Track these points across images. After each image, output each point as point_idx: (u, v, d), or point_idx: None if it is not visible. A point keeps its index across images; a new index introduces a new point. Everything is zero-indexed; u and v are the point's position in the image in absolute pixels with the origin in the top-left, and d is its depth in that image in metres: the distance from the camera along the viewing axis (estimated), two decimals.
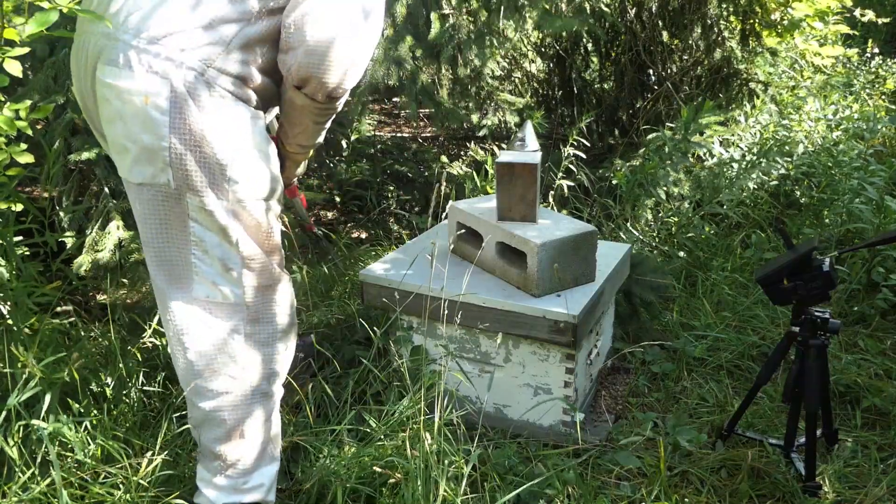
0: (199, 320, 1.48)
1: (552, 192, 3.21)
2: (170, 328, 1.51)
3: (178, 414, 1.89)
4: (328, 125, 1.60)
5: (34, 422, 1.64)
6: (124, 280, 2.49)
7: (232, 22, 1.36)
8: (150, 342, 2.18)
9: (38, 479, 1.58)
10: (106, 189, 2.40)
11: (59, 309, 2.36)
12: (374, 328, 1.95)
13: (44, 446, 1.62)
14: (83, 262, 2.39)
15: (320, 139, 1.66)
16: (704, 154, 3.54)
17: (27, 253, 2.17)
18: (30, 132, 1.84)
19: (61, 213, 2.41)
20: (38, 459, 1.62)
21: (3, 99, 1.96)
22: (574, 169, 3.35)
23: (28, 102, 1.85)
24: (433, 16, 2.77)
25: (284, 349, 1.62)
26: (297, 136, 1.59)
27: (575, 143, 3.15)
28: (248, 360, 1.53)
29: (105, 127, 1.40)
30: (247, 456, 1.58)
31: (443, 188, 3.27)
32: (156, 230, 1.43)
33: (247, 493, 1.60)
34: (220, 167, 1.38)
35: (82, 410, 1.80)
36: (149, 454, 1.68)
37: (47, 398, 1.72)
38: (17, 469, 1.61)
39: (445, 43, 2.76)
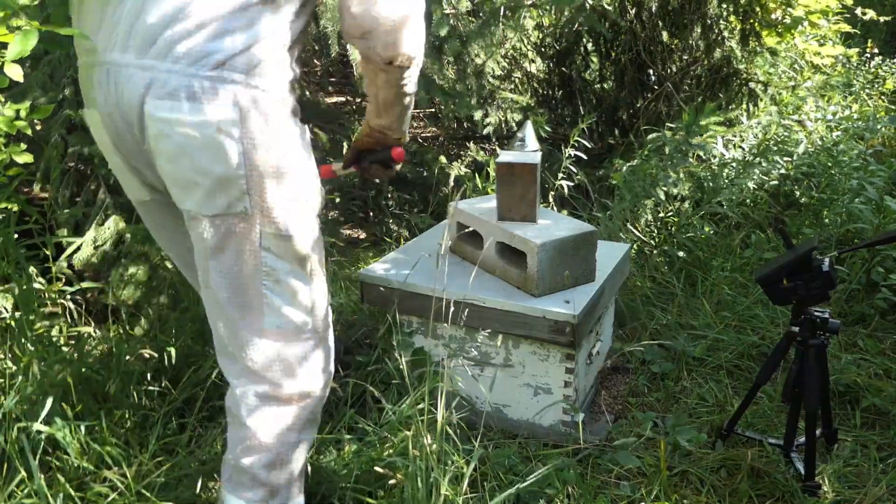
0: (270, 351, 1.42)
1: (552, 193, 3.21)
2: (239, 359, 1.44)
3: (180, 420, 1.89)
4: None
5: (35, 426, 1.64)
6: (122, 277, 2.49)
7: (277, 27, 1.33)
8: (151, 342, 2.18)
9: (39, 478, 1.58)
10: (104, 185, 2.40)
11: (57, 310, 2.36)
12: (376, 328, 1.96)
13: (40, 451, 1.61)
14: (84, 256, 2.39)
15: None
16: (705, 155, 3.55)
17: (27, 254, 2.17)
18: (29, 132, 1.84)
19: (58, 211, 2.41)
20: (37, 460, 1.62)
21: (2, 99, 1.97)
22: (575, 169, 3.35)
23: (28, 103, 1.86)
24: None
25: (330, 373, 1.56)
26: (387, 113, 1.56)
27: (576, 144, 3.15)
28: (310, 385, 1.48)
29: (164, 164, 1.33)
30: (286, 486, 1.50)
31: (448, 190, 3.27)
32: (232, 260, 1.37)
33: None
34: (296, 187, 1.37)
35: (80, 413, 1.79)
36: (147, 455, 1.68)
37: (48, 403, 1.70)
38: (16, 469, 1.61)
39: (449, 35, 2.81)
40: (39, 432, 1.65)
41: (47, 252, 2.31)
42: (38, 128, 2.51)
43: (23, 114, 1.82)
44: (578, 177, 3.42)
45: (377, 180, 1.96)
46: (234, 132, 1.28)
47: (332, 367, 1.55)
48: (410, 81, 1.51)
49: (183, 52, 1.26)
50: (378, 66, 1.42)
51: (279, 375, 1.43)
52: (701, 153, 3.44)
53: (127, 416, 1.90)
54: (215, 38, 1.26)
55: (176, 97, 1.25)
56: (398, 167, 1.79)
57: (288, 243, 1.37)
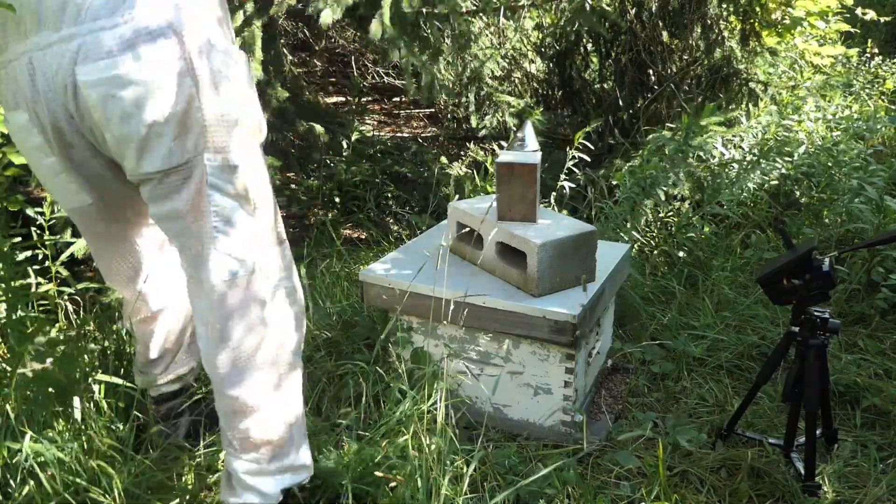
0: (222, 303, 1.37)
1: (553, 193, 3.21)
2: (192, 318, 1.42)
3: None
4: None
5: (24, 445, 1.57)
6: None
7: None
8: None
9: (34, 490, 1.55)
10: None
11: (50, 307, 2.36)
12: (375, 328, 1.95)
13: (27, 464, 1.56)
14: (83, 256, 2.39)
15: None
16: (705, 155, 3.55)
17: (27, 255, 2.16)
18: None
19: (57, 211, 2.41)
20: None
21: None
22: (576, 170, 3.35)
23: None
24: None
25: (301, 311, 1.53)
26: None
27: (579, 146, 3.15)
28: (274, 332, 1.43)
29: (118, 129, 1.25)
30: (290, 436, 1.49)
31: (444, 189, 3.27)
32: (187, 210, 1.33)
33: (297, 472, 1.52)
34: (244, 114, 1.34)
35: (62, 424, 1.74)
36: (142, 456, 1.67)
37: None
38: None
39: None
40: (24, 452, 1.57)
41: (46, 252, 2.31)
42: None
43: None
44: (578, 177, 3.42)
45: None
46: (181, 68, 1.22)
47: (299, 303, 1.51)
48: None
49: (98, 6, 1.19)
50: None
51: (243, 332, 1.39)
52: (701, 153, 3.44)
53: (117, 419, 1.88)
54: None
55: (110, 53, 1.19)
56: None
57: (233, 174, 1.33)
